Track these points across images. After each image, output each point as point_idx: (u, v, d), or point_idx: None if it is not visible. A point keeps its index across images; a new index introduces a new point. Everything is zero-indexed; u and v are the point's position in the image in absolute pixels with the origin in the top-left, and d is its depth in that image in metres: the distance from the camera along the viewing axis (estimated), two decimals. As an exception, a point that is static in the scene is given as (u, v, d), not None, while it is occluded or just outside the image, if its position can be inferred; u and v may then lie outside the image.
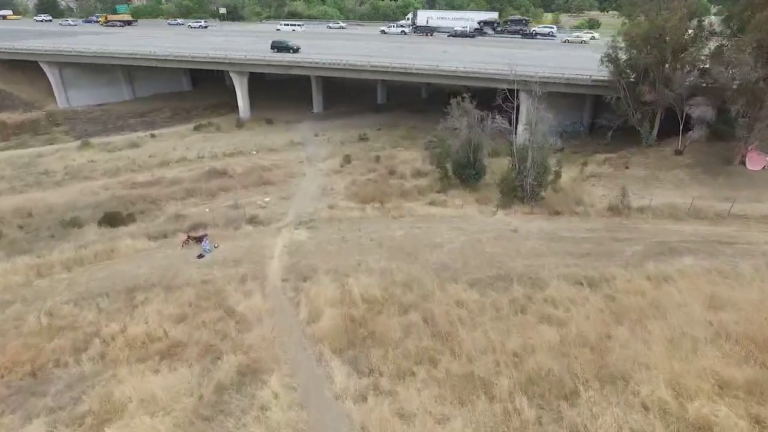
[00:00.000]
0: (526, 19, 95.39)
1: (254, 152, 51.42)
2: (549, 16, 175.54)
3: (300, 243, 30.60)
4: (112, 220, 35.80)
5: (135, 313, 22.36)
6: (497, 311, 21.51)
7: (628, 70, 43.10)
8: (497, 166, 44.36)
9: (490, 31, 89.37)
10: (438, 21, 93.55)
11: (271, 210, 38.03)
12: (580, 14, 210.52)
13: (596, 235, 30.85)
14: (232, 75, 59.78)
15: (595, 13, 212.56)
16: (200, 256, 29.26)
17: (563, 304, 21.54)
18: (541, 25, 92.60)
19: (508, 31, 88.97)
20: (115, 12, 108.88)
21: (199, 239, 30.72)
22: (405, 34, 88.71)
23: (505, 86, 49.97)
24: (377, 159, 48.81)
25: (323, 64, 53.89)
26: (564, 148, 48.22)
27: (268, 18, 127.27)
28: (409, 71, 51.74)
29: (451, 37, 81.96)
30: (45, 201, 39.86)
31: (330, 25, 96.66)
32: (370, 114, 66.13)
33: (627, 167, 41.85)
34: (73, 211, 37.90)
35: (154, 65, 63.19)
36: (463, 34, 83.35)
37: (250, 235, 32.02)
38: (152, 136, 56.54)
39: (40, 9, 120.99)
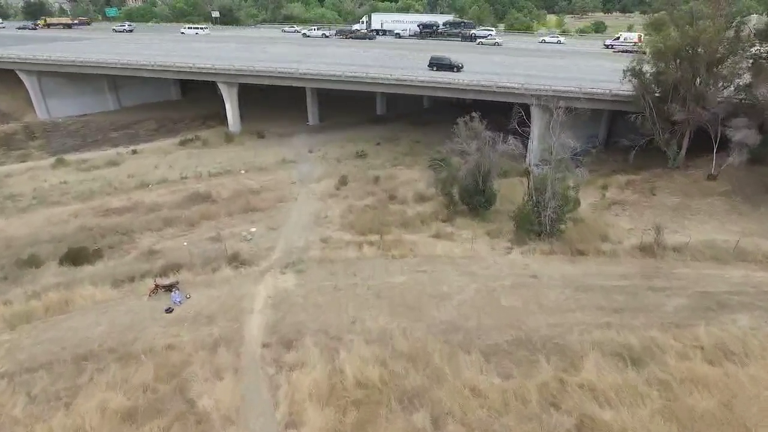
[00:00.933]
0: (466, 21, 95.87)
1: (242, 172, 47.22)
2: (553, 18, 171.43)
3: (286, 292, 26.40)
4: (75, 257, 31.63)
5: (73, 405, 18.10)
6: (524, 405, 17.28)
7: (654, 86, 38.84)
8: (507, 189, 40.26)
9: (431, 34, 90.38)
10: (392, 24, 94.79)
11: (256, 244, 33.83)
12: (584, 16, 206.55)
13: (629, 283, 26.64)
14: (220, 86, 55.60)
15: (599, 15, 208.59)
16: (168, 311, 25.07)
17: (607, 398, 17.31)
18: (480, 28, 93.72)
19: (448, 34, 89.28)
20: (105, 15, 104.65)
21: (169, 288, 26.52)
22: (326, 37, 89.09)
23: (514, 100, 46.14)
24: (376, 180, 44.60)
25: (318, 75, 49.75)
26: (580, 166, 44.04)
27: (264, 21, 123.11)
28: (409, 84, 47.61)
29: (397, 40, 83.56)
30: (4, 233, 35.65)
31: (306, 32, 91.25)
32: (369, 126, 61.91)
33: (654, 193, 37.62)
34: (34, 246, 33.73)
35: (135, 75, 59.02)
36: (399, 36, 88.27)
37: (229, 280, 27.79)
38: (134, 152, 52.30)
39: (27, 12, 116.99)
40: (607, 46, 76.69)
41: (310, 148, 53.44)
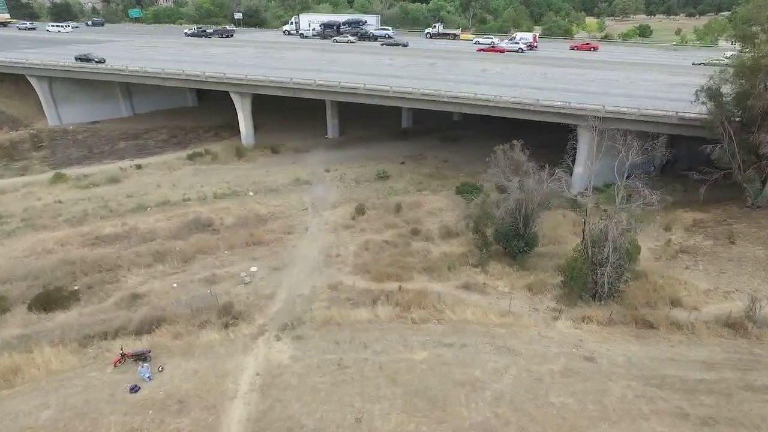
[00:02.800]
0: (363, 20, 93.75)
1: (251, 193, 42.64)
2: (593, 21, 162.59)
3: (279, 369, 21.39)
4: (47, 301, 27.50)
5: None
6: None
7: (736, 110, 32.31)
8: (548, 223, 34.43)
9: (333, 33, 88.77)
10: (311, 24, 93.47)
11: (254, 290, 29.03)
12: (626, 18, 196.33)
13: (718, 376, 20.61)
14: (233, 96, 51.31)
15: (641, 18, 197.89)
16: (134, 389, 20.38)
17: None
18: (375, 28, 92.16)
19: (347, 33, 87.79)
20: (127, 15, 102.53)
21: (139, 357, 21.84)
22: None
23: (559, 120, 40.19)
24: (398, 209, 39.27)
25: (338, 88, 44.81)
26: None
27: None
28: (437, 99, 42.08)
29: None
30: (-21, 264, 31.85)
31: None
32: (393, 141, 56.62)
33: (732, 241, 31.11)
34: (7, 283, 29.76)
35: (145, 82, 55.31)
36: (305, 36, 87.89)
37: (214, 347, 22.94)
38: (138, 167, 48.45)
39: (53, 12, 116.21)
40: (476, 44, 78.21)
41: (327, 166, 48.50)
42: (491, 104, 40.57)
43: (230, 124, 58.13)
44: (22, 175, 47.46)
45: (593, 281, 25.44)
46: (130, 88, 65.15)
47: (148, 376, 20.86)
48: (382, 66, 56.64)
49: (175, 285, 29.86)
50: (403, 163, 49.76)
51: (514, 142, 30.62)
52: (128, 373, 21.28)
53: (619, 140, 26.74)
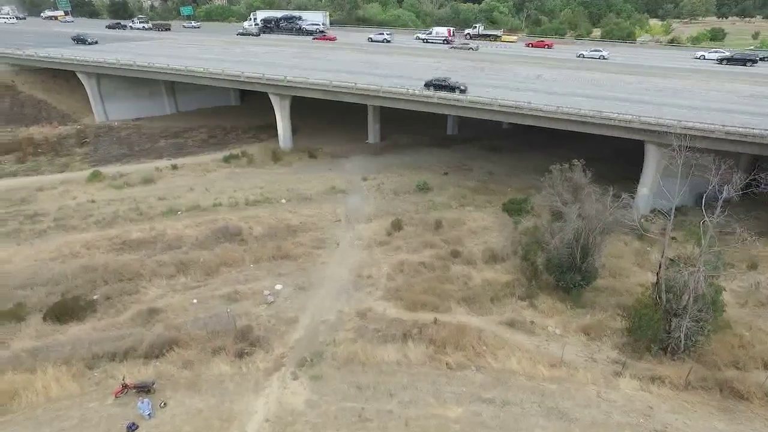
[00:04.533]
0: (298, 16, 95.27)
1: (283, 201, 40.57)
2: (657, 23, 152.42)
3: (291, 416, 18.80)
4: (62, 312, 26.17)
5: None
6: None
7: None
8: (608, 253, 30.27)
9: (273, 28, 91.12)
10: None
11: (277, 312, 26.71)
12: (694, 21, 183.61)
13: (832, 475, 16.31)
14: (271, 98, 49.62)
15: (710, 20, 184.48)
16: (132, 428, 18.31)
17: None
18: (308, 21, 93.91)
19: (284, 29, 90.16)
20: (179, 13, 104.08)
21: (141, 389, 19.82)
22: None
23: (626, 135, 35.80)
24: (438, 226, 36.08)
25: (380, 92, 42.00)
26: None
27: (336, 23, 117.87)
28: (487, 108, 38.40)
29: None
30: (5, 267, 31.19)
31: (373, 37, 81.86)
32: (436, 149, 53.34)
33: (838, 287, 26.05)
34: (28, 288, 28.78)
35: (186, 81, 54.57)
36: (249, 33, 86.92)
37: (223, 382, 20.65)
38: (173, 167, 47.51)
39: (112, 10, 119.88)
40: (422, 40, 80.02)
41: (365, 174, 45.85)
42: (547, 115, 36.56)
43: (270, 125, 56.57)
44: (62, 171, 47.45)
45: (666, 331, 21.41)
46: (174, 86, 65.09)
47: (148, 413, 18.78)
48: (428, 69, 53.44)
49: (194, 301, 27.99)
50: (446, 173, 46.43)
51: (574, 161, 26.81)
52: (128, 406, 19.29)
53: (695, 160, 22.59)
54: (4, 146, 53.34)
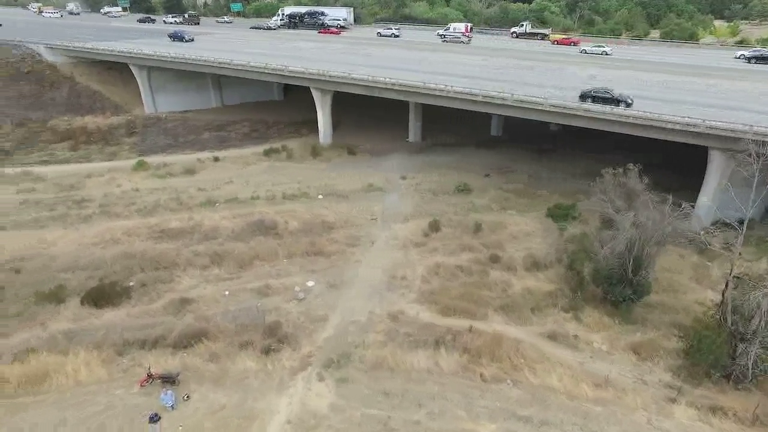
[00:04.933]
0: (320, 12, 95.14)
1: (320, 197, 40.10)
2: (722, 24, 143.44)
3: (314, 419, 18.02)
4: (99, 297, 26.55)
5: None
6: None
7: None
8: (663, 264, 27.97)
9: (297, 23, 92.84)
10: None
11: (307, 309, 26.10)
12: (764, 22, 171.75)
13: None
14: (313, 93, 49.37)
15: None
16: (154, 419, 18.04)
17: None
18: (330, 17, 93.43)
19: (308, 24, 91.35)
20: (229, 10, 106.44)
21: (166, 380, 19.58)
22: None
23: (690, 141, 33.16)
24: (477, 229, 34.57)
25: (423, 89, 40.82)
26: None
27: (381, 20, 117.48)
28: (535, 107, 36.47)
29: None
30: (51, 249, 32.12)
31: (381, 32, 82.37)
32: (478, 150, 51.61)
33: None
34: (69, 272, 29.46)
35: (231, 74, 55.20)
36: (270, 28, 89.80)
37: (247, 379, 20.16)
38: (215, 159, 48.08)
39: (167, 6, 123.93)
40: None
41: (404, 173, 44.79)
42: (606, 118, 34.21)
43: (311, 120, 56.37)
44: (111, 160, 48.92)
45: (731, 357, 19.28)
46: (220, 80, 66.20)
47: (171, 404, 18.48)
48: (474, 67, 51.83)
49: (226, 293, 27.83)
50: (487, 175, 44.73)
51: (629, 166, 24.80)
52: (152, 396, 19.08)
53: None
54: (60, 134, 55.72)
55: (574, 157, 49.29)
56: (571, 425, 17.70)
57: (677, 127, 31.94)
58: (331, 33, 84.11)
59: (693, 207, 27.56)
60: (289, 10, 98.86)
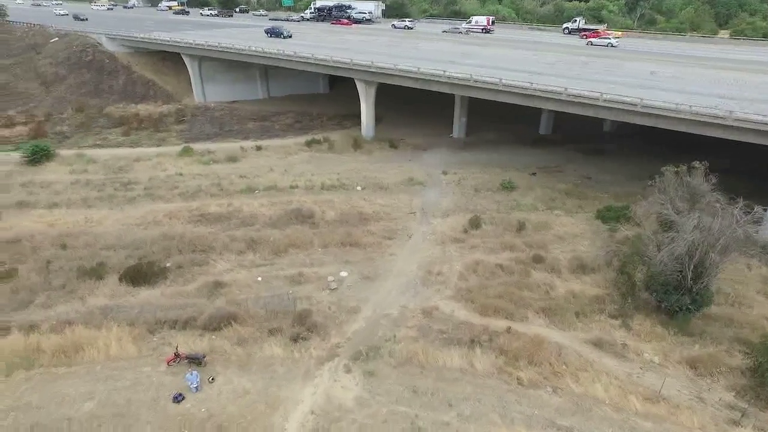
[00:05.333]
0: (348, 5, 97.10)
1: (359, 188, 39.47)
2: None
3: (338, 412, 17.26)
4: (136, 275, 26.89)
5: None
6: None
7: None
8: (727, 276, 25.50)
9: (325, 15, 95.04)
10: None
11: (338, 299, 25.43)
12: None
13: None
14: (357, 84, 48.82)
15: None
16: (178, 399, 17.81)
17: None
18: (357, 10, 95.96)
19: (335, 17, 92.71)
20: (281, 5, 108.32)
21: (192, 360, 19.35)
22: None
23: (762, 141, 30.19)
24: (520, 227, 32.94)
25: (470, 81, 39.34)
26: None
27: (430, 16, 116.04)
28: (591, 103, 34.28)
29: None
30: (96, 228, 33.04)
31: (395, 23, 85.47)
32: (525, 149, 49.54)
33: None
34: (111, 250, 30.11)
35: (277, 65, 55.54)
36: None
37: (272, 365, 19.65)
38: (258, 148, 48.41)
39: (221, 1, 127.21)
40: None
41: (446, 168, 43.48)
42: (669, 115, 31.52)
43: (354, 113, 55.97)
44: (159, 145, 50.20)
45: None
46: (268, 72, 66.98)
47: (195, 386, 18.18)
48: (526, 62, 49.77)
49: (259, 278, 27.57)
50: (534, 174, 42.74)
51: (695, 163, 22.63)
52: (179, 375, 18.88)
53: None
54: (114, 120, 57.84)
55: (629, 159, 46.44)
56: (618, 440, 16.11)
57: (752, 126, 29.09)
58: (341, 24, 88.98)
59: (766, 211, 24.95)
60: (319, 3, 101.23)
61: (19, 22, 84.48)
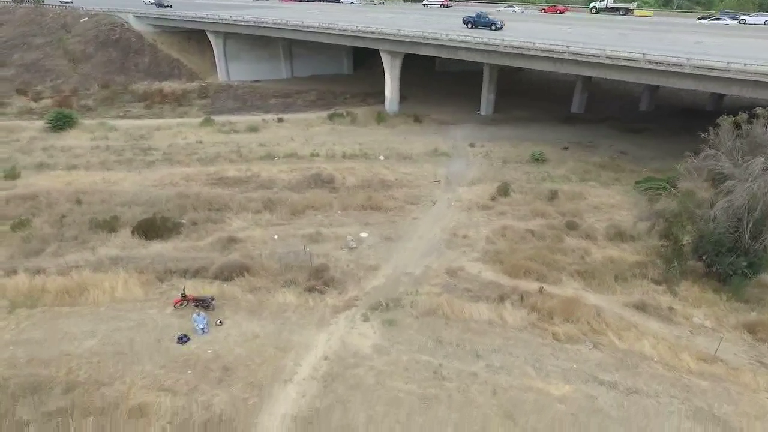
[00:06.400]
0: None
1: (381, 158, 37.96)
2: None
3: (354, 358, 15.75)
4: (149, 229, 25.94)
5: None
6: None
7: None
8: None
9: None
10: None
11: (358, 257, 23.93)
12: None
13: None
14: (383, 56, 47.33)
15: None
16: (183, 339, 16.58)
17: None
18: None
19: None
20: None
21: (200, 303, 18.11)
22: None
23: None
24: (552, 196, 30.92)
25: (501, 47, 37.39)
26: None
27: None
28: (636, 66, 31.82)
29: None
30: (114, 186, 32.38)
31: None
32: (556, 125, 47.23)
33: None
34: (126, 206, 29.28)
35: (303, 38, 54.40)
36: None
37: (285, 312, 18.27)
38: (279, 120, 47.44)
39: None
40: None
41: (473, 141, 41.62)
42: (723, 76, 28.89)
43: (378, 92, 54.62)
44: (181, 117, 49.66)
45: None
46: (292, 50, 66.17)
47: (202, 327, 16.93)
48: (561, 34, 47.38)
49: (275, 236, 26.28)
50: (566, 148, 40.53)
51: (757, 110, 20.38)
52: (185, 318, 17.69)
53: None
54: (138, 95, 57.73)
55: (668, 137, 43.70)
56: (669, 397, 14.15)
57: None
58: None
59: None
60: None
61: (81, 7, 79.35)
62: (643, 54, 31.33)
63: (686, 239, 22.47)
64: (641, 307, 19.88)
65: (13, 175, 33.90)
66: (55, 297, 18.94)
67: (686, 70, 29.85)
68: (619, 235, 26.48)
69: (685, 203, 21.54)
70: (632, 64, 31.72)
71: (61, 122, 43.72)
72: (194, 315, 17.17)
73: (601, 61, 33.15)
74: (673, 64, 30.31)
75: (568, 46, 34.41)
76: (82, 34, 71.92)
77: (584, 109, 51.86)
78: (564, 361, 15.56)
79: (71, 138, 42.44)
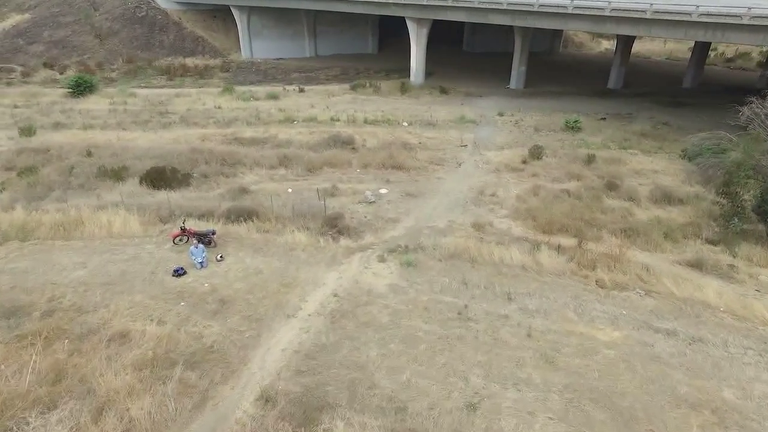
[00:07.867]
0: None
1: (405, 124, 35.96)
2: None
3: (367, 296, 13.85)
4: (158, 178, 24.56)
5: None
6: None
7: None
8: None
9: None
10: None
11: (376, 210, 22.01)
12: None
13: None
14: (409, 24, 45.27)
15: None
16: (179, 272, 14.95)
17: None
18: None
19: None
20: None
21: (200, 238, 16.46)
22: None
23: None
24: (589, 161, 28.39)
25: (537, 5, 34.66)
26: None
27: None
28: (685, 20, 29.07)
29: None
30: (129, 143, 31.27)
31: None
32: (592, 98, 44.34)
33: None
34: (137, 159, 28.04)
35: (326, 8, 52.85)
36: None
37: (294, 250, 16.47)
38: (300, 90, 45.93)
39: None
40: None
41: (502, 110, 39.22)
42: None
43: (403, 68, 52.58)
44: (201, 87, 48.67)
45: None
46: (316, 28, 64.78)
47: (200, 261, 15.28)
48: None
49: (290, 190, 24.60)
50: (604, 118, 37.80)
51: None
52: (183, 254, 16.07)
53: None
54: (161, 69, 57.14)
55: (716, 110, 40.43)
56: (739, 347, 11.81)
57: None
58: None
59: None
60: None
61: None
62: (696, 6, 28.48)
63: (748, 195, 19.84)
64: (696, 265, 17.35)
65: (28, 132, 33.19)
66: (49, 230, 17.62)
67: (745, 21, 26.90)
68: (665, 198, 23.84)
69: (750, 150, 18.89)
70: (683, 18, 28.90)
71: (82, 87, 43.13)
72: (191, 247, 15.53)
73: (647, 17, 30.39)
74: (732, 15, 27.38)
75: (609, 2, 31.73)
76: (109, 12, 72.02)
77: (622, 85, 48.79)
78: (611, 307, 13.34)
79: (91, 103, 41.79)
